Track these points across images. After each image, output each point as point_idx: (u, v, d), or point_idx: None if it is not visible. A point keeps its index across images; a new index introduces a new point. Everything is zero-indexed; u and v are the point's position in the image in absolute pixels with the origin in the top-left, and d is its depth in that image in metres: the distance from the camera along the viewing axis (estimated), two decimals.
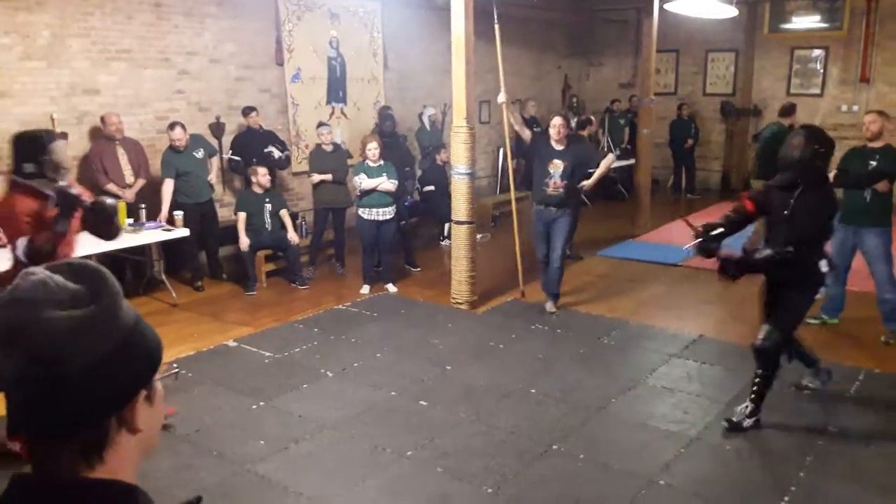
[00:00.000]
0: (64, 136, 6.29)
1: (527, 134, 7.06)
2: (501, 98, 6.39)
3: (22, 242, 3.68)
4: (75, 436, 0.91)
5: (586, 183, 6.68)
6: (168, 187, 6.90)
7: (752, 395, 4.30)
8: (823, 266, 4.10)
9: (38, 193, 3.70)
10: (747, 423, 4.26)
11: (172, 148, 6.92)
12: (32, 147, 3.61)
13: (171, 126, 6.90)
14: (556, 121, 6.27)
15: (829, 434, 4.21)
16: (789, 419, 4.40)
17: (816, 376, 4.69)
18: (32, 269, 0.93)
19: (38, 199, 3.71)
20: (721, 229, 4.13)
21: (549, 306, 6.49)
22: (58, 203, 3.67)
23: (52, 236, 3.73)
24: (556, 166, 6.21)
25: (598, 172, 6.61)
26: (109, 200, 3.92)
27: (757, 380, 4.28)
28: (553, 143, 6.24)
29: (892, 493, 3.63)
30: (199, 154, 7.15)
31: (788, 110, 8.65)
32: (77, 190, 3.84)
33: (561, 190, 6.22)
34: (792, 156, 4.03)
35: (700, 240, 4.13)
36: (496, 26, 6.21)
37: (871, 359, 5.30)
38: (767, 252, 4.05)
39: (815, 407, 4.55)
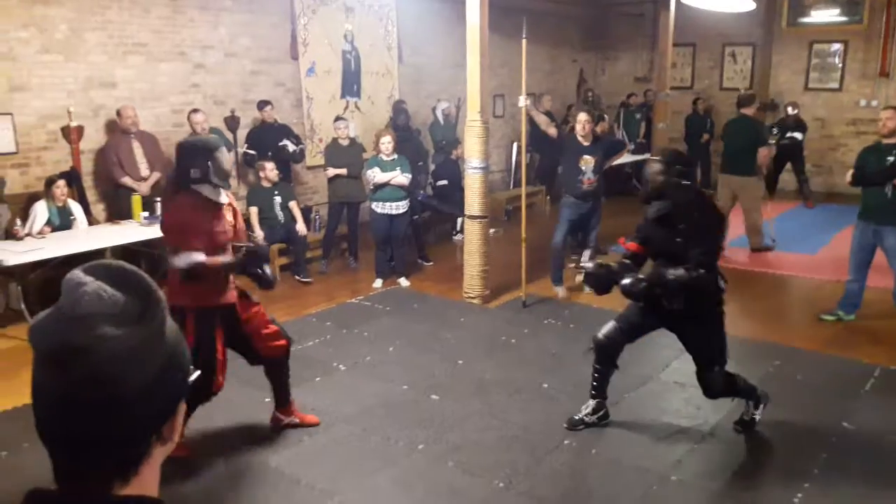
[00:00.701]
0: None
1: (553, 131, 7.17)
2: (522, 102, 6.45)
3: (189, 256, 3.57)
4: (117, 454, 0.89)
5: None
6: None
7: (741, 396, 4.17)
8: (721, 283, 3.86)
9: (208, 202, 3.70)
10: (757, 416, 4.19)
11: (193, 134, 7.04)
12: (199, 152, 3.63)
13: (194, 111, 7.15)
14: (582, 117, 6.60)
15: (844, 430, 4.18)
16: (803, 416, 4.37)
17: (757, 406, 4.19)
18: (79, 277, 0.88)
19: (208, 207, 3.70)
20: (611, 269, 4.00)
21: (562, 292, 6.80)
22: (247, 262, 3.85)
23: (226, 270, 3.76)
24: (587, 162, 6.42)
25: (610, 161, 7.03)
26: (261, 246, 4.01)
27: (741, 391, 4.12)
28: (580, 140, 6.47)
29: None
30: None
31: (747, 100, 8.08)
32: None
33: (595, 184, 6.56)
34: (658, 183, 3.83)
35: (587, 275, 4.04)
36: (524, 39, 6.21)
37: (887, 355, 5.25)
38: (679, 272, 3.69)
39: (829, 403, 4.52)
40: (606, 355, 4.13)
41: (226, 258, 3.75)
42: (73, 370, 0.83)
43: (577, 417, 4.23)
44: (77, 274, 0.88)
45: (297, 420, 4.23)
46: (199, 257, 3.58)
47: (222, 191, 3.73)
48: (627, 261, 4.06)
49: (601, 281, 3.98)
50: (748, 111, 7.98)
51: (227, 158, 3.79)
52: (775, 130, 10.64)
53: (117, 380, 0.85)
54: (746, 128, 7.88)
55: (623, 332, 4.07)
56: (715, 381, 3.93)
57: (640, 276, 3.86)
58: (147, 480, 0.91)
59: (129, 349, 0.86)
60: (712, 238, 3.86)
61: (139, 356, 0.87)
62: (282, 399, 4.21)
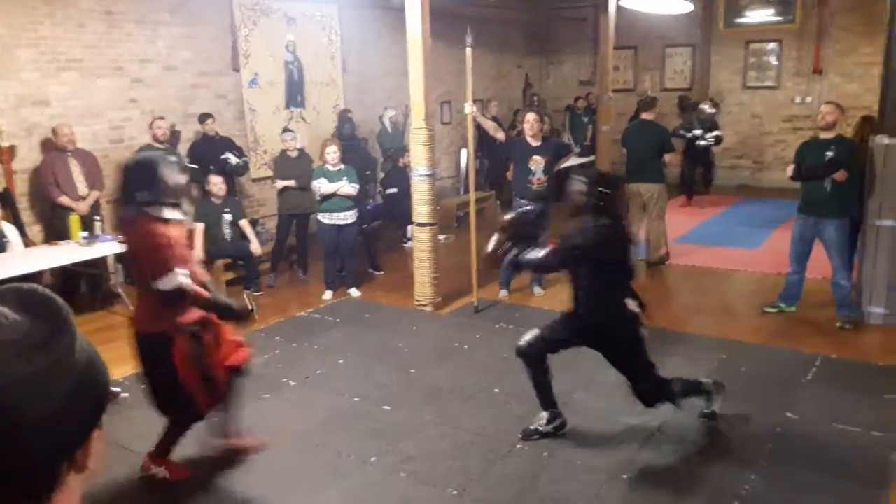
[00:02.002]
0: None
1: (501, 136, 7.23)
2: (468, 109, 6.48)
3: (175, 278, 3.38)
4: (23, 486, 0.84)
5: None
6: None
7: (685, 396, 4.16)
8: (632, 305, 3.90)
9: (167, 221, 3.51)
10: (716, 408, 4.25)
11: (154, 140, 7.16)
12: (145, 174, 3.42)
13: (158, 118, 7.24)
14: (530, 116, 6.63)
15: (789, 420, 4.28)
16: (748, 408, 4.46)
17: (710, 399, 4.26)
18: None
19: (169, 227, 3.49)
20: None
21: (538, 291, 6.89)
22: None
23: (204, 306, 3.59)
24: (537, 162, 6.46)
25: (558, 164, 6.92)
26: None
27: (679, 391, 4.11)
28: (529, 140, 6.51)
29: (852, 476, 3.69)
30: (171, 158, 7.11)
31: (648, 104, 7.85)
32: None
33: (545, 184, 6.53)
34: (578, 203, 3.86)
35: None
36: (468, 48, 6.23)
37: (827, 344, 5.39)
38: (539, 252, 3.83)
39: (773, 394, 4.62)
40: (533, 363, 4.11)
41: (210, 294, 3.62)
42: None
43: (531, 428, 4.21)
44: None
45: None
46: (185, 279, 3.43)
47: (179, 208, 3.54)
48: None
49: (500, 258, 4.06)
50: (649, 115, 7.72)
51: (175, 172, 3.53)
52: (695, 131, 10.47)
53: (18, 408, 0.80)
54: (649, 133, 7.60)
55: (545, 342, 4.06)
56: (646, 392, 3.98)
57: (518, 250, 3.92)
58: None
59: (31, 376, 0.81)
60: (584, 241, 3.77)
61: (43, 383, 0.82)
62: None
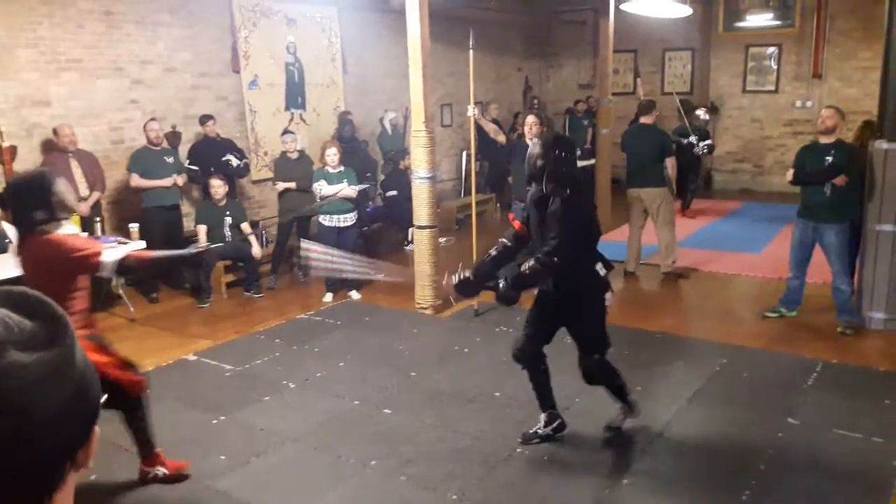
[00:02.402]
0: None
1: (502, 138, 7.24)
2: (471, 111, 6.49)
3: (111, 258, 3.43)
4: (31, 485, 0.85)
5: None
6: (137, 181, 6.99)
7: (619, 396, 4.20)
8: (600, 269, 3.91)
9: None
10: (625, 424, 4.23)
11: (148, 142, 7.08)
12: (38, 193, 3.41)
13: (151, 120, 7.15)
14: (530, 119, 6.62)
15: (789, 426, 4.27)
16: (750, 412, 4.45)
17: (624, 413, 4.23)
18: None
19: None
20: (471, 275, 3.91)
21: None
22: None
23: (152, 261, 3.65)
24: None
25: None
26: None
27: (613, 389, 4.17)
28: (529, 143, 6.44)
29: (853, 482, 3.68)
30: (170, 160, 7.13)
31: (647, 108, 7.70)
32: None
33: None
34: (536, 167, 3.79)
35: (458, 283, 3.88)
36: (471, 50, 6.25)
37: (828, 350, 5.39)
38: (531, 262, 3.72)
39: (773, 399, 4.61)
40: (529, 366, 4.10)
41: (153, 254, 3.66)
42: None
43: (531, 431, 4.20)
44: None
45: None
46: (117, 253, 3.46)
47: (6, 226, 3.56)
48: (508, 241, 4.06)
49: (468, 287, 3.96)
50: (648, 119, 7.58)
51: (65, 188, 3.52)
52: (690, 138, 10.09)
53: (29, 408, 0.81)
54: (650, 137, 7.48)
55: (532, 339, 4.05)
56: (595, 366, 3.99)
57: (502, 280, 3.80)
58: None
59: (41, 376, 0.82)
60: (571, 226, 3.73)
61: (51, 383, 0.84)
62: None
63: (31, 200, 3.39)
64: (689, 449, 4.11)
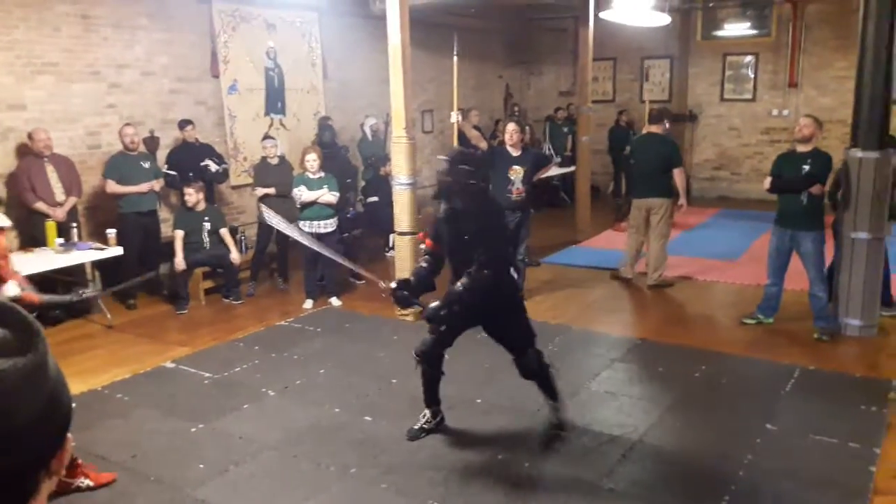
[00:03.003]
0: None
1: (483, 145, 7.28)
2: (454, 118, 6.53)
3: (9, 289, 3.39)
4: (6, 492, 0.85)
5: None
6: (112, 187, 6.90)
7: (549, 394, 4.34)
8: (513, 273, 4.15)
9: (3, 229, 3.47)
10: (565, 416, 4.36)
11: (124, 148, 6.99)
12: None
13: (126, 125, 7.06)
14: (511, 126, 6.70)
15: (768, 432, 4.30)
16: (729, 419, 4.49)
17: (555, 410, 4.36)
18: None
19: None
20: (404, 286, 4.06)
21: None
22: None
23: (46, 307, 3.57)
24: (516, 172, 6.52)
25: (538, 174, 7.10)
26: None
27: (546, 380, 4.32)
28: (510, 150, 6.57)
29: (830, 487, 3.71)
30: (147, 165, 7.06)
31: (657, 117, 7.57)
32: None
33: (523, 195, 6.60)
34: (446, 183, 3.98)
35: (393, 290, 4.04)
36: (454, 57, 6.27)
37: (805, 356, 5.44)
38: (465, 281, 3.85)
39: (752, 406, 4.65)
40: (430, 365, 4.24)
41: (44, 296, 3.60)
42: None
43: (416, 427, 4.33)
44: None
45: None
46: (15, 289, 3.40)
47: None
48: (426, 260, 4.20)
49: (402, 301, 4.12)
50: (657, 129, 7.45)
51: None
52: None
53: (7, 413, 0.82)
54: (658, 146, 7.35)
55: (439, 342, 4.19)
56: (531, 360, 4.18)
57: (437, 304, 3.92)
58: None
59: (17, 381, 0.83)
60: (495, 237, 3.97)
61: (27, 388, 0.84)
62: None
63: None
64: (668, 455, 4.13)
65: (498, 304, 4.05)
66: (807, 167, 5.67)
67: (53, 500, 3.62)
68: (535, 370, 4.22)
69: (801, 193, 5.68)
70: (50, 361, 0.90)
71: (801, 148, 5.79)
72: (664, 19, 8.46)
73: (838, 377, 5.09)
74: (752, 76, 12.63)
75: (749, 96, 12.68)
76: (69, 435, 0.94)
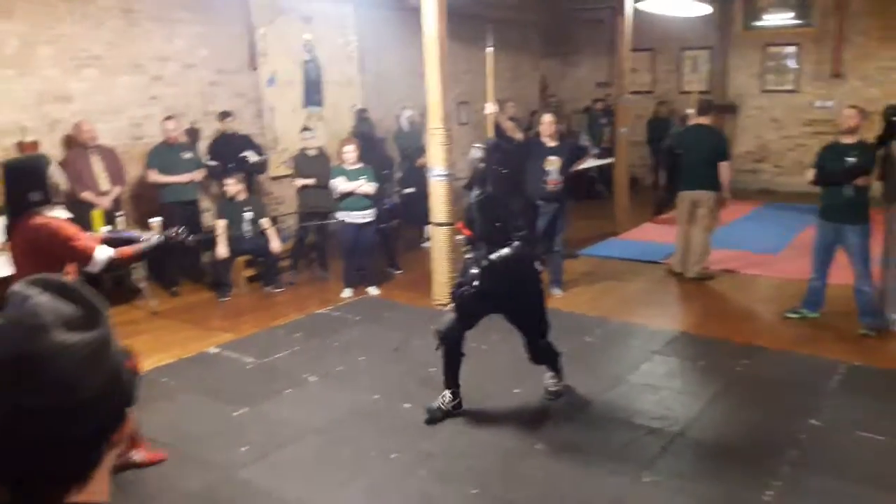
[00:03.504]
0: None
1: (519, 136, 7.27)
2: (489, 109, 6.51)
3: (103, 256, 3.48)
4: (72, 461, 0.88)
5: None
6: (154, 177, 7.04)
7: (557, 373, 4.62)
8: (538, 265, 4.39)
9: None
10: (562, 386, 4.64)
11: (166, 141, 7.11)
12: (34, 175, 3.45)
13: (167, 118, 7.17)
14: (547, 118, 6.71)
15: (812, 427, 4.23)
16: (772, 414, 4.43)
17: (557, 381, 4.65)
18: (25, 289, 0.87)
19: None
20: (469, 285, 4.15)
21: (557, 292, 6.88)
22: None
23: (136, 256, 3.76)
24: (552, 163, 6.52)
25: (575, 166, 7.09)
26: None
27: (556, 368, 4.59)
28: (546, 141, 6.54)
29: (876, 485, 3.65)
30: (188, 156, 7.18)
31: (704, 108, 7.48)
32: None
33: (559, 186, 6.58)
34: (481, 170, 4.22)
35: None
36: (489, 49, 6.24)
37: (851, 352, 5.34)
38: (505, 251, 4.10)
39: (795, 401, 4.58)
40: (449, 346, 4.35)
41: (133, 248, 3.72)
42: (34, 378, 0.83)
43: (434, 407, 4.42)
44: (21, 287, 0.89)
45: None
46: (108, 251, 3.50)
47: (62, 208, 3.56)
48: (469, 250, 4.37)
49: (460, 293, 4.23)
50: (705, 120, 7.38)
51: (59, 174, 3.58)
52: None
53: (77, 385, 0.85)
54: (708, 138, 7.26)
55: (462, 324, 4.31)
56: (543, 348, 4.43)
57: (464, 281, 4.15)
58: (98, 487, 0.92)
59: (86, 355, 0.87)
60: (526, 219, 4.27)
61: (94, 361, 0.88)
62: None
63: (27, 182, 3.42)
64: (709, 448, 4.09)
65: (521, 288, 4.26)
66: (852, 159, 5.54)
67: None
68: (545, 359, 4.48)
69: (846, 186, 5.56)
70: (113, 338, 0.93)
71: (846, 139, 5.66)
72: (704, 9, 8.33)
73: (885, 374, 4.98)
74: (795, 67, 12.37)
75: (791, 87, 12.42)
76: (130, 411, 0.97)
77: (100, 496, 0.92)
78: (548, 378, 4.64)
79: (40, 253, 3.42)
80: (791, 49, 12.34)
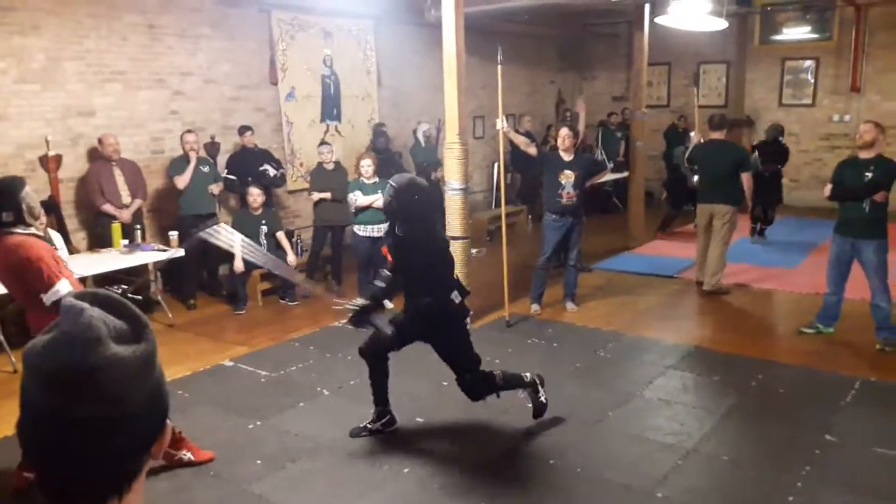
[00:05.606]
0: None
1: (533, 151, 7.34)
2: (499, 125, 6.57)
3: (63, 290, 3.48)
4: (115, 471, 0.91)
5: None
6: (181, 181, 7.12)
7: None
8: (455, 297, 4.18)
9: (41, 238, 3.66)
10: (543, 398, 4.48)
11: (184, 154, 7.19)
12: (7, 195, 3.55)
13: (187, 132, 7.25)
14: (564, 131, 6.74)
15: (827, 443, 4.21)
16: (786, 429, 4.40)
17: (536, 392, 4.52)
18: (79, 303, 0.90)
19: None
20: (367, 303, 4.23)
21: (571, 306, 6.91)
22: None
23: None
24: (567, 176, 6.54)
25: (592, 180, 7.10)
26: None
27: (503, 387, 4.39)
28: (562, 154, 6.57)
29: (892, 501, 3.62)
30: (206, 169, 7.27)
31: (718, 124, 7.46)
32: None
33: (574, 199, 6.59)
34: (390, 207, 4.11)
35: (351, 316, 4.20)
36: (499, 66, 6.32)
37: (866, 367, 5.31)
38: (409, 311, 4.19)
39: (810, 416, 4.55)
40: (374, 363, 4.37)
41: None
42: (88, 389, 0.86)
43: (360, 426, 4.40)
44: (74, 301, 0.91)
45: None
46: (68, 288, 3.49)
47: (52, 232, 3.66)
48: (388, 274, 4.35)
49: (360, 320, 4.22)
50: (719, 135, 7.42)
51: (34, 197, 3.65)
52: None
53: (126, 397, 0.89)
54: (726, 152, 7.31)
55: (384, 342, 4.27)
56: (472, 384, 4.27)
57: (385, 324, 4.17)
58: (137, 497, 0.95)
59: (134, 368, 0.90)
60: (438, 272, 4.14)
61: (141, 374, 0.91)
62: None
63: (0, 201, 3.51)
64: (723, 464, 4.08)
65: (438, 329, 4.20)
66: (869, 174, 5.53)
67: (158, 470, 3.87)
68: (479, 393, 4.30)
69: (864, 201, 5.54)
70: (156, 351, 0.97)
71: (864, 154, 5.64)
72: (721, 24, 8.33)
73: None
74: (812, 81, 12.33)
75: (809, 101, 12.38)
76: (168, 421, 1.00)
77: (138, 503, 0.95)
78: (520, 395, 4.54)
79: (17, 272, 3.52)
80: (809, 63, 12.31)
